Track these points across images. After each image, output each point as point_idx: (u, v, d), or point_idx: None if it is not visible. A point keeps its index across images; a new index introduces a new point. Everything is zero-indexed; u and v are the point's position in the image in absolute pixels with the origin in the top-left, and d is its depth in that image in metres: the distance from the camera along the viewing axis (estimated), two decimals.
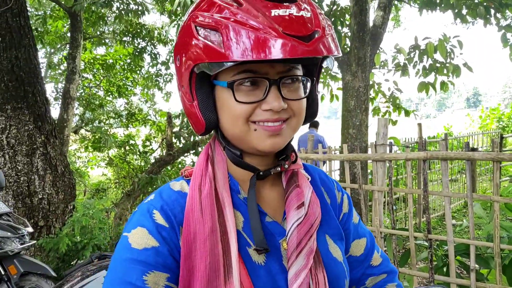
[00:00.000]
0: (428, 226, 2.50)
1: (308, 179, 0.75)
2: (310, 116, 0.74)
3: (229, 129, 0.65)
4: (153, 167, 6.99)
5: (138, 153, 7.95)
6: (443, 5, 5.38)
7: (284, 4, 0.58)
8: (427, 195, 2.54)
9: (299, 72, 0.66)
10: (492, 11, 5.04)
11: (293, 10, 0.58)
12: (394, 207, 6.43)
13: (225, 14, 0.58)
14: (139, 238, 0.61)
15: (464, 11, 5.20)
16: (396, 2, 6.21)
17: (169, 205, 0.65)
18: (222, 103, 0.64)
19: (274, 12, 0.57)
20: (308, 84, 0.67)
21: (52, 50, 10.11)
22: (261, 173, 0.69)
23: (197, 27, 0.60)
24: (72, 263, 3.50)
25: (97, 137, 7.16)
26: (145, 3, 8.47)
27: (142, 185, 6.16)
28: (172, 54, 8.49)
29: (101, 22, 7.56)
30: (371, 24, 4.70)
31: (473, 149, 7.73)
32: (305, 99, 0.68)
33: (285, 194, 0.71)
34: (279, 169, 0.70)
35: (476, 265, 2.37)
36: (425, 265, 3.02)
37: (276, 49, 0.54)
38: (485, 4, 4.99)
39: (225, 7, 0.59)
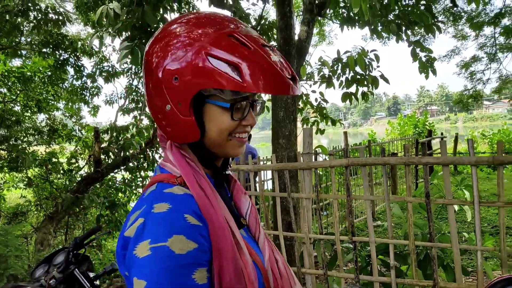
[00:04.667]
0: (352, 229, 2.64)
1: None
2: None
3: (214, 139, 0.80)
4: (79, 186, 6.55)
5: (62, 171, 7.40)
6: (360, 22, 5.81)
7: (273, 49, 0.75)
8: (350, 199, 2.69)
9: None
10: (403, 28, 5.55)
11: (278, 55, 0.75)
12: (325, 213, 6.72)
13: (240, 53, 0.72)
14: (180, 243, 0.66)
15: (380, 28, 5.67)
16: (319, 18, 6.57)
17: (195, 207, 0.73)
18: (212, 118, 0.78)
19: (273, 57, 0.73)
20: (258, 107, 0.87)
21: None
22: (224, 172, 0.88)
23: (210, 58, 0.72)
24: None
25: (13, 156, 6.54)
26: (67, 13, 8.01)
27: (67, 206, 5.74)
28: (99, 67, 8.09)
29: (17, 32, 6.98)
30: (296, 38, 4.91)
31: (394, 154, 8.36)
32: None
33: (226, 188, 0.91)
34: (228, 170, 0.90)
35: (396, 263, 2.55)
36: (352, 267, 3.18)
37: (286, 88, 0.72)
38: (397, 21, 5.48)
39: (239, 48, 0.72)
